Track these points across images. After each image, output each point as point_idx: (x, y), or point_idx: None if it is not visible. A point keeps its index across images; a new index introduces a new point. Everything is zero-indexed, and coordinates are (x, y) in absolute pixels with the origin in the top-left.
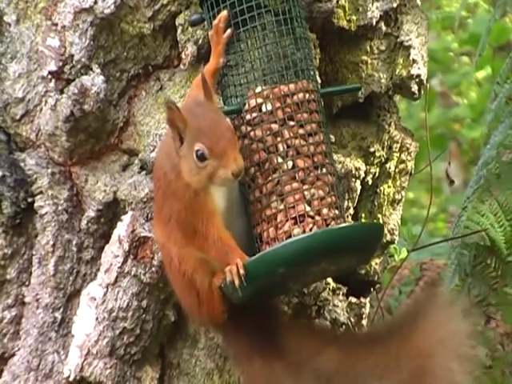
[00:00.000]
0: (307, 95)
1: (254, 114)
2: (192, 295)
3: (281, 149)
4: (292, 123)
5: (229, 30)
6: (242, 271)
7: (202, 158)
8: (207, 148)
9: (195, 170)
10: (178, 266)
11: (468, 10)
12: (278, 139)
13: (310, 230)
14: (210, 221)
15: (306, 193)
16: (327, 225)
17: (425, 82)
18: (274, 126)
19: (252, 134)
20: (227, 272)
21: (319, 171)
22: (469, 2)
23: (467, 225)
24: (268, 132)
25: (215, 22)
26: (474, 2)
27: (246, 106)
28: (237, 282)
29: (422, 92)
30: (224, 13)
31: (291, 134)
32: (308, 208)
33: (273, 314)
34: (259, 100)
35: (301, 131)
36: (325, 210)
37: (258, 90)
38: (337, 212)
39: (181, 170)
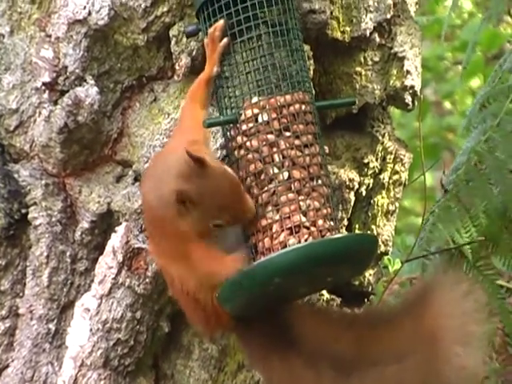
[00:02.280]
0: (303, 106)
1: (250, 125)
2: (198, 311)
3: (277, 159)
4: (288, 134)
5: (225, 39)
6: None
7: (219, 226)
8: (225, 221)
9: (207, 229)
10: (179, 287)
11: (462, 20)
12: (274, 150)
13: (306, 240)
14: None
15: (301, 203)
16: (322, 236)
17: (419, 92)
18: (270, 137)
19: (248, 144)
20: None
21: (315, 182)
22: (463, 11)
23: (432, 229)
24: (264, 142)
25: (211, 30)
26: (468, 12)
27: (243, 117)
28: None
29: (416, 103)
30: (221, 22)
31: (287, 145)
32: (303, 219)
33: (283, 306)
34: (255, 110)
35: (297, 142)
36: (320, 221)
37: (254, 100)
38: (332, 223)
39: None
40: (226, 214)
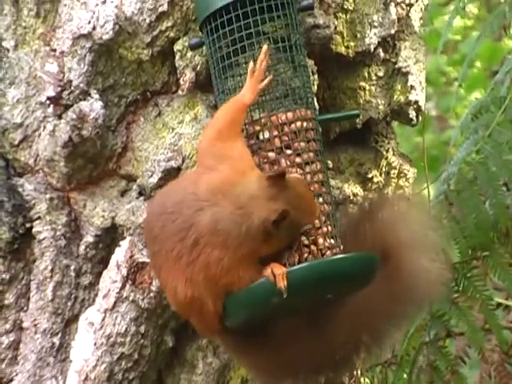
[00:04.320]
0: (305, 124)
1: (252, 141)
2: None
3: None
4: (289, 152)
5: (269, 77)
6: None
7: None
8: (310, 222)
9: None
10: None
11: (463, 35)
12: (275, 167)
13: (306, 259)
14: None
15: None
16: (322, 254)
17: (423, 107)
18: (271, 155)
19: None
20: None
21: (316, 200)
22: (462, 26)
23: None
24: (265, 160)
25: (261, 57)
26: (467, 26)
27: (244, 133)
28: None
29: (420, 118)
30: (267, 56)
31: (288, 163)
32: (303, 237)
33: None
34: (257, 127)
35: (298, 160)
36: (320, 240)
37: (256, 117)
38: (332, 241)
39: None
40: (310, 215)
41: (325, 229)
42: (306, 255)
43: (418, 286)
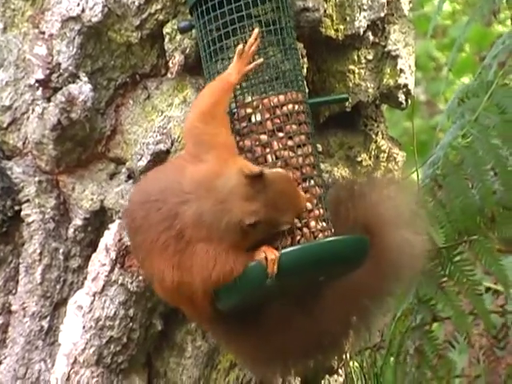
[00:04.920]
0: (296, 106)
1: (244, 124)
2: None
3: (269, 160)
4: (281, 134)
5: (260, 60)
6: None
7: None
8: (290, 219)
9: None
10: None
11: (453, 20)
12: (267, 150)
13: (298, 242)
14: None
15: None
16: (315, 237)
17: (412, 91)
18: (263, 137)
19: (241, 144)
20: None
21: (307, 183)
22: (452, 10)
23: None
24: (257, 143)
25: (251, 40)
26: (457, 10)
27: (236, 116)
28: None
29: (409, 101)
30: (257, 40)
31: (280, 146)
32: (296, 220)
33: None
34: (248, 110)
35: (289, 143)
36: (312, 223)
37: (248, 100)
38: (324, 224)
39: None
40: (290, 213)
41: (316, 212)
42: (298, 237)
43: (401, 261)
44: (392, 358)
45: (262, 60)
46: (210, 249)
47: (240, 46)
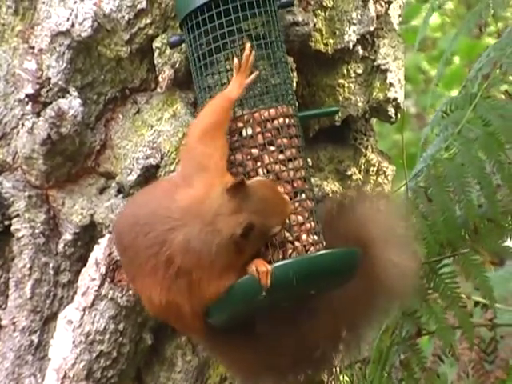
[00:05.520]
0: (287, 120)
1: (235, 138)
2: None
3: (261, 174)
4: (272, 148)
5: (257, 72)
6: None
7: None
8: (280, 224)
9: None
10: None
11: (443, 32)
12: (259, 164)
13: (290, 256)
14: None
15: None
16: (306, 251)
17: (402, 105)
18: (254, 151)
19: (232, 158)
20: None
21: (298, 197)
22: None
23: None
24: (248, 157)
25: (247, 53)
26: (446, 22)
27: (227, 130)
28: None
29: (399, 115)
30: (253, 51)
31: (271, 159)
32: (287, 234)
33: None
34: (239, 124)
35: (281, 156)
36: (304, 236)
37: (239, 113)
38: (316, 237)
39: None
40: (278, 216)
41: (308, 225)
42: (290, 251)
43: (392, 280)
44: (377, 372)
45: (258, 72)
46: (202, 277)
47: (236, 61)
